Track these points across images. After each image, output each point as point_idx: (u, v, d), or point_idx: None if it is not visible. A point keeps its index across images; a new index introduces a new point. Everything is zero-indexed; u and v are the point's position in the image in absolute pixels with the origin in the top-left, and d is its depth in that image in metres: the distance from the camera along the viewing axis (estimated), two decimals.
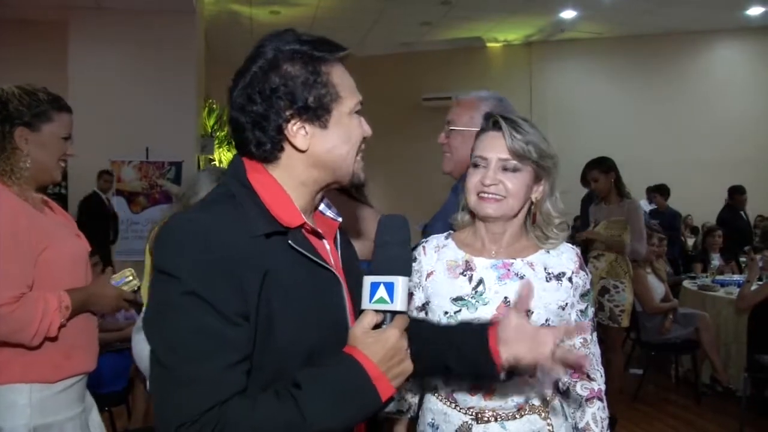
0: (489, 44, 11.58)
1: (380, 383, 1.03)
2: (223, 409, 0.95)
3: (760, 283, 4.69)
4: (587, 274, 1.54)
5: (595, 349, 1.56)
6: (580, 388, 1.52)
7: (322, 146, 1.12)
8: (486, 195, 1.46)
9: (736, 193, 7.46)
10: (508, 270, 1.48)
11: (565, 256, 1.52)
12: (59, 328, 1.75)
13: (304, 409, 0.97)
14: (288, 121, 1.10)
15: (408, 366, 1.08)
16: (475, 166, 1.50)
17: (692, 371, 5.02)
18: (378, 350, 1.04)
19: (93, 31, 7.64)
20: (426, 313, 1.54)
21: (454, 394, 1.48)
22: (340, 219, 1.23)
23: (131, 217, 6.96)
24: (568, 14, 9.75)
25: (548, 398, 1.49)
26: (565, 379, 1.51)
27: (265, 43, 1.14)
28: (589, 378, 1.53)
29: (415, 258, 1.58)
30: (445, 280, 1.51)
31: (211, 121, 9.31)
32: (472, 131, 1.80)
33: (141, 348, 2.31)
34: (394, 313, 1.07)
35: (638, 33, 10.63)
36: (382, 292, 1.07)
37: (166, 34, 7.66)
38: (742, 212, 7.55)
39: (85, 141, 7.47)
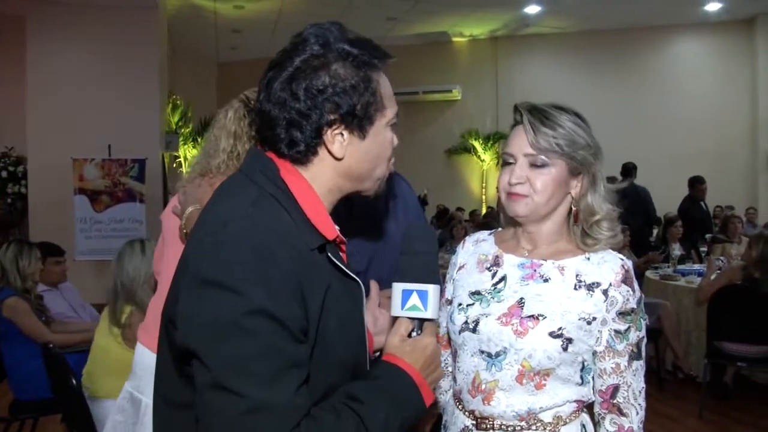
0: (455, 39, 11.65)
1: (424, 390, 1.05)
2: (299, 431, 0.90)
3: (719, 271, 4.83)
4: (634, 291, 1.34)
5: (634, 381, 1.35)
6: (609, 423, 1.35)
7: (357, 156, 1.07)
8: (514, 194, 1.36)
9: (697, 183, 7.60)
10: (535, 271, 1.37)
11: (607, 266, 1.35)
12: None
13: (369, 424, 0.95)
14: (330, 125, 1.03)
15: (441, 372, 1.11)
16: (505, 163, 1.39)
17: (655, 359, 5.14)
18: (418, 358, 1.06)
19: (52, 26, 7.46)
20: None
21: (461, 394, 1.40)
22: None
23: (94, 216, 6.81)
24: (532, 9, 9.86)
25: (564, 417, 1.35)
26: (597, 409, 1.38)
27: (309, 35, 1.05)
28: (621, 412, 1.35)
29: (456, 251, 1.54)
30: (472, 273, 1.45)
31: (176, 118, 9.18)
32: None
33: None
34: (424, 320, 1.10)
35: (600, 28, 10.82)
36: (414, 299, 1.09)
37: (127, 29, 7.52)
38: (702, 203, 7.73)
39: (46, 139, 7.36)
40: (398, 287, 1.10)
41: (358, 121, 1.05)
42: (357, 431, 0.94)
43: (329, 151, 1.05)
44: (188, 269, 0.97)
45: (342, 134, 1.05)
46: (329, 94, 1.02)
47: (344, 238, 1.12)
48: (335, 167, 1.07)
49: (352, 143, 1.06)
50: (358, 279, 1.10)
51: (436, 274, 1.13)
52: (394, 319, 1.12)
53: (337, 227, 1.09)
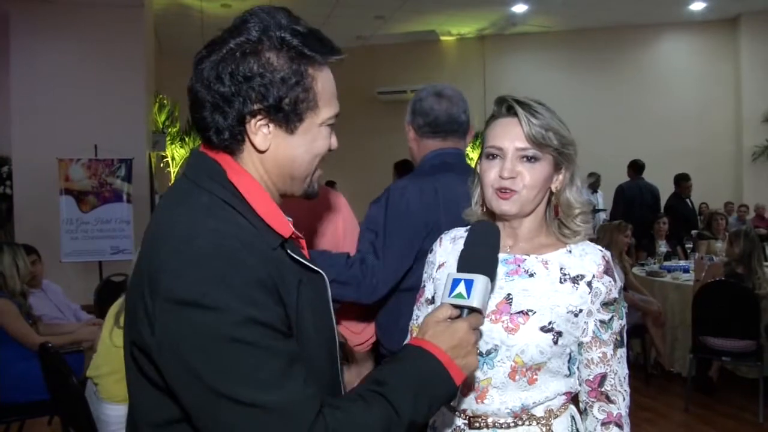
0: (443, 38, 11.67)
1: (452, 369, 1.04)
2: (324, 419, 0.91)
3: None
4: (615, 281, 1.36)
5: (619, 368, 1.37)
6: (597, 411, 1.37)
7: (282, 152, 1.03)
8: (504, 190, 1.32)
9: (682, 180, 7.69)
10: (519, 266, 1.36)
11: (589, 258, 1.36)
12: None
13: (397, 407, 0.96)
14: (253, 115, 0.99)
15: (473, 361, 1.08)
16: (490, 157, 1.35)
17: (642, 354, 5.19)
18: (446, 339, 1.05)
19: (36, 24, 7.38)
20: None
21: None
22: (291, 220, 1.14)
23: (81, 216, 6.74)
24: (519, 8, 9.90)
25: (555, 410, 1.35)
26: (583, 398, 1.39)
27: (251, 18, 1.01)
28: (609, 400, 1.37)
29: (432, 249, 1.51)
30: (454, 271, 1.45)
31: (163, 117, 9.12)
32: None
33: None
34: (470, 309, 1.10)
35: (586, 27, 10.89)
36: (461, 288, 1.11)
37: (113, 28, 7.46)
38: (687, 200, 7.81)
39: (31, 139, 7.29)
40: (450, 276, 1.14)
41: (284, 116, 1.00)
42: (386, 413, 0.95)
43: (251, 142, 1.01)
44: (158, 291, 0.92)
45: (268, 126, 1.01)
46: (256, 83, 0.97)
47: (300, 234, 1.10)
48: (261, 159, 1.03)
49: (277, 137, 1.02)
50: (321, 271, 1.10)
51: (492, 268, 1.16)
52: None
53: (290, 220, 1.08)
